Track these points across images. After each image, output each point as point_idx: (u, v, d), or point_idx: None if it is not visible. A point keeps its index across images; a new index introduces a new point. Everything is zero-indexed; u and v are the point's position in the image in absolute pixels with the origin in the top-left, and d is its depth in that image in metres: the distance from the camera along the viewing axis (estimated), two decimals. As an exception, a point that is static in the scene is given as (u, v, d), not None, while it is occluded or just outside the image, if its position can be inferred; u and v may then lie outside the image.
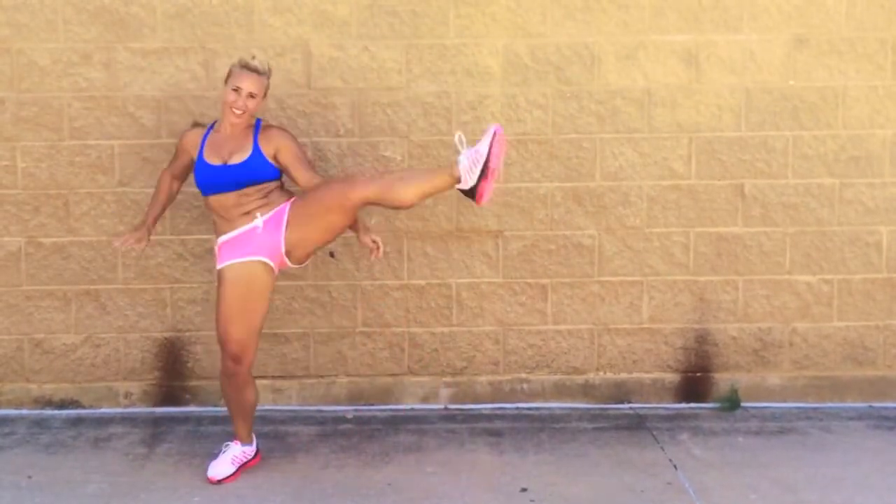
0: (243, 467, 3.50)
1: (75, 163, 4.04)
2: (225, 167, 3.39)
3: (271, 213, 3.40)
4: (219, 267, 3.42)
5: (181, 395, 4.17)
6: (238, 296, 3.35)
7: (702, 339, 4.23)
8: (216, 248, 3.47)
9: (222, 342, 3.39)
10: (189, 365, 4.15)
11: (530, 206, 4.14)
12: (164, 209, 3.71)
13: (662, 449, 3.75)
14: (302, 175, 3.43)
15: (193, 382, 4.16)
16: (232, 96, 3.40)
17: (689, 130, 4.14)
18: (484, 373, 4.21)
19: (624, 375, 4.24)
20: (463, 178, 3.26)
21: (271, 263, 3.40)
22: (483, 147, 3.24)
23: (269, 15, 4.01)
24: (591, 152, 4.13)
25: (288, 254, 3.41)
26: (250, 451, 3.53)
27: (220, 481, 3.41)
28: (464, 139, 3.31)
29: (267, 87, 3.49)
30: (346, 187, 3.34)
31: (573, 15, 4.07)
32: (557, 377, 4.23)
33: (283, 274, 4.10)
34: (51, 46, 3.99)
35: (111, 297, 4.10)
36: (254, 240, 3.38)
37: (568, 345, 4.21)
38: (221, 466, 3.45)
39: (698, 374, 4.24)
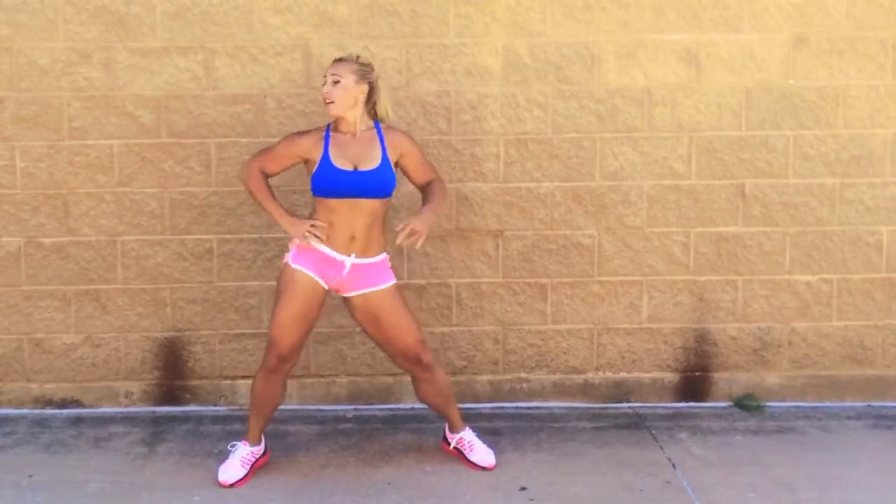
0: (254, 467, 3.48)
1: (75, 162, 4.05)
2: (356, 173, 3.33)
3: (364, 261, 3.38)
4: (291, 264, 3.37)
5: (181, 394, 4.17)
6: (304, 305, 3.35)
7: (701, 338, 4.24)
8: (292, 242, 3.40)
9: (275, 341, 3.36)
10: (189, 364, 4.16)
11: (530, 206, 4.14)
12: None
13: (661, 448, 3.76)
14: (420, 179, 3.49)
15: (194, 382, 4.17)
16: (323, 89, 3.37)
17: (690, 130, 4.14)
18: (484, 372, 4.22)
19: (623, 375, 4.24)
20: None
21: (327, 289, 3.43)
22: None
23: (269, 15, 4.01)
24: (591, 152, 4.13)
25: (343, 298, 3.46)
26: (258, 450, 3.51)
27: (232, 485, 3.38)
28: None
29: (360, 74, 3.37)
30: (421, 346, 3.44)
31: (573, 14, 4.06)
32: (557, 377, 4.23)
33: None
34: (50, 46, 3.99)
35: (111, 297, 4.11)
36: (335, 271, 3.38)
37: (567, 344, 4.22)
38: (232, 469, 3.42)
39: (697, 374, 4.25)
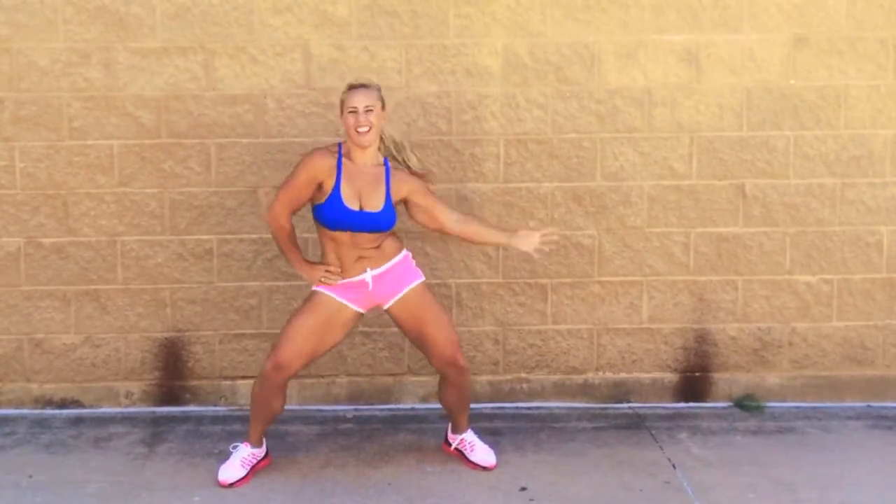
0: (254, 469, 3.48)
1: (74, 163, 4.05)
2: (362, 213, 3.32)
3: (382, 268, 3.40)
4: (317, 289, 3.40)
5: (181, 394, 4.17)
6: (317, 323, 3.35)
7: (701, 338, 4.23)
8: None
9: (276, 347, 3.36)
10: (189, 365, 4.16)
11: (530, 206, 4.14)
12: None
13: (661, 448, 3.76)
14: (446, 215, 3.46)
15: (193, 382, 4.17)
16: (352, 119, 3.29)
17: (690, 130, 4.14)
18: (484, 372, 4.22)
19: (623, 375, 4.24)
20: None
21: (361, 311, 3.43)
22: None
23: (269, 15, 4.01)
24: (591, 152, 4.13)
25: (386, 310, 3.45)
26: (260, 453, 3.51)
27: (231, 485, 3.38)
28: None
29: (383, 101, 3.37)
30: (457, 348, 3.45)
31: (573, 14, 4.06)
32: (557, 377, 4.23)
33: (283, 274, 4.11)
34: (50, 46, 3.99)
35: (111, 297, 4.11)
36: (360, 291, 3.39)
37: (567, 345, 4.22)
38: (232, 469, 3.42)
39: (697, 374, 4.25)
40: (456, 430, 3.63)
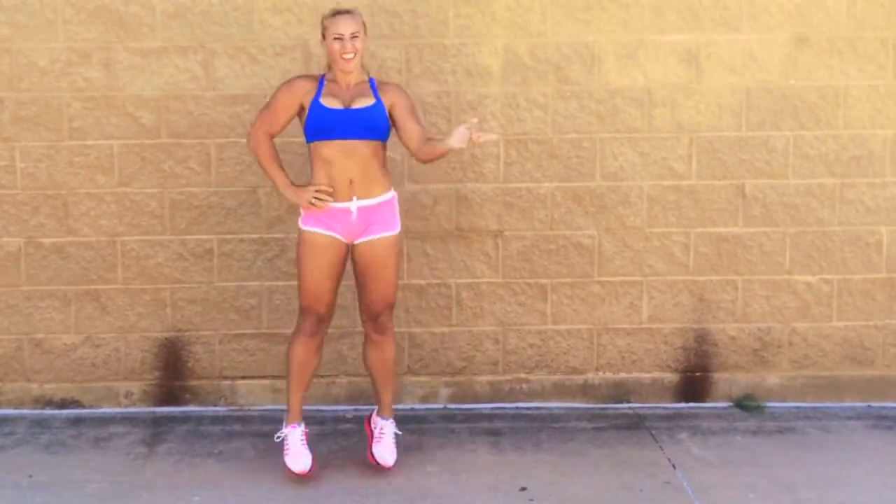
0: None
1: (74, 163, 4.05)
2: (348, 110, 3.32)
3: (369, 201, 3.36)
4: (302, 227, 3.40)
5: (181, 394, 4.17)
6: (321, 261, 3.36)
7: (701, 338, 4.23)
8: (302, 206, 3.41)
9: (309, 306, 3.38)
10: (189, 365, 4.16)
11: (530, 206, 4.14)
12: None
13: (661, 448, 3.76)
14: (414, 141, 3.37)
15: (194, 382, 4.16)
16: (337, 45, 3.30)
17: (690, 130, 4.14)
18: (483, 373, 4.22)
19: (623, 375, 4.24)
20: None
21: (347, 244, 3.42)
22: None
23: (269, 15, 4.01)
24: (591, 152, 4.13)
25: (354, 247, 3.42)
26: (303, 427, 3.48)
27: (310, 471, 3.39)
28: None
29: (365, 26, 3.38)
30: (387, 308, 3.47)
31: (573, 14, 4.06)
32: (557, 377, 4.23)
33: (283, 274, 4.11)
34: (50, 46, 3.98)
35: (111, 297, 4.11)
36: (344, 221, 3.37)
37: (567, 345, 4.22)
38: (301, 456, 3.40)
39: (697, 374, 4.25)
40: (381, 412, 3.57)
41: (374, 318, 3.47)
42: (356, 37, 3.33)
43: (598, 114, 4.11)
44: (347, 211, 3.36)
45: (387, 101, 3.40)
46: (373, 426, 3.59)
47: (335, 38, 3.33)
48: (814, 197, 4.18)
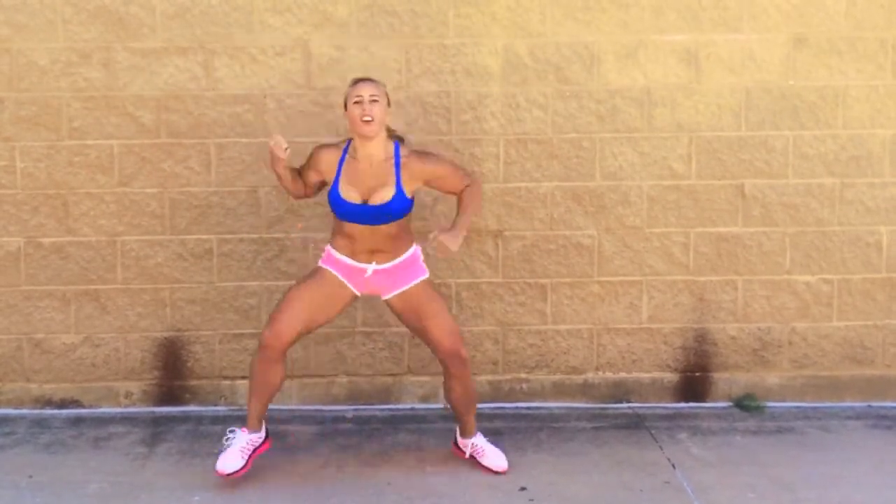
0: (253, 456, 3.42)
1: (74, 163, 4.05)
2: (365, 207, 3.32)
3: (386, 265, 3.40)
4: (320, 264, 3.44)
5: (181, 394, 4.17)
6: (317, 295, 3.38)
7: (701, 338, 4.24)
8: (327, 247, 3.46)
9: (272, 316, 3.38)
10: (189, 364, 4.16)
11: (530, 206, 4.14)
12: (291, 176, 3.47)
13: (661, 448, 3.76)
14: (452, 191, 3.44)
15: (193, 382, 4.17)
16: (357, 110, 3.28)
17: (689, 130, 4.14)
18: (483, 372, 4.22)
19: (623, 375, 4.25)
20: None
21: (358, 294, 3.45)
22: None
23: (269, 15, 4.01)
24: (590, 152, 4.13)
25: (385, 300, 3.46)
26: (258, 438, 3.43)
27: (229, 475, 3.34)
28: None
29: (388, 99, 3.37)
30: (457, 340, 3.46)
31: (573, 14, 4.07)
32: (557, 377, 4.23)
33: (283, 274, 4.11)
34: (50, 46, 3.99)
35: (111, 297, 4.11)
36: (358, 277, 3.41)
37: (567, 344, 4.22)
38: (231, 459, 3.36)
39: (697, 374, 4.25)
40: (465, 434, 3.60)
41: (454, 353, 3.47)
42: (375, 100, 3.29)
43: (597, 114, 4.11)
44: (363, 270, 3.41)
45: (411, 182, 3.37)
46: (463, 448, 3.62)
47: (355, 102, 3.31)
48: (813, 197, 4.19)
